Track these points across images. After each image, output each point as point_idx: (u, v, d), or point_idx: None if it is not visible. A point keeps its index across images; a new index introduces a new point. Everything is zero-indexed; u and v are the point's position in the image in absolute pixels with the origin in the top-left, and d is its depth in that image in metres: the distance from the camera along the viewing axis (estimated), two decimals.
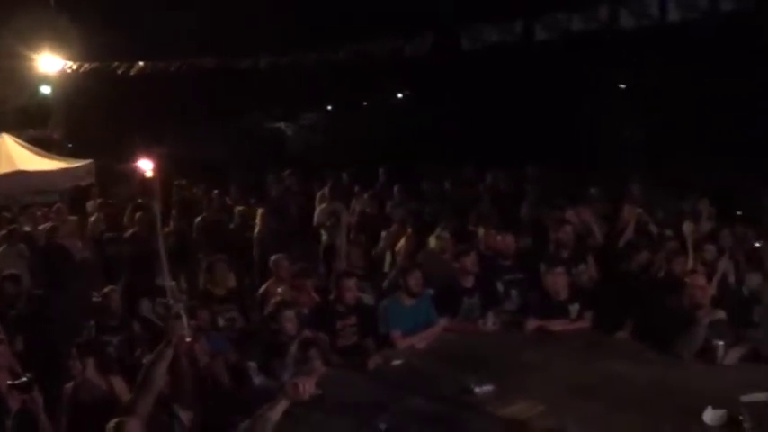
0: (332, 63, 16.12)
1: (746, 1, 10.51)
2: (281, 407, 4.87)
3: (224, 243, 12.48)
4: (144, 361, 6.18)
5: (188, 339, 6.63)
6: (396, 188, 14.76)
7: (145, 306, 10.62)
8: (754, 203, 12.87)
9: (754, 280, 8.81)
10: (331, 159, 20.06)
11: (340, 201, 13.88)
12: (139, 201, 15.52)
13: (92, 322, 8.74)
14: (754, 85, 15.70)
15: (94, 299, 9.39)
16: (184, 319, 6.43)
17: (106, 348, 8.02)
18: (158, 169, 6.60)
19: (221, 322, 8.80)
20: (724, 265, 8.70)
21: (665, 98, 17.67)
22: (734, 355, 6.80)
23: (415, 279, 8.23)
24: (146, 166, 6.70)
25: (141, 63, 17.29)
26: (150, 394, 5.68)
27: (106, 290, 9.11)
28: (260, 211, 13.86)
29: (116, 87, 18.84)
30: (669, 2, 10.62)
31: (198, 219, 14.05)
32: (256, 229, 13.52)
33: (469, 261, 8.69)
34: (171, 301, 6.94)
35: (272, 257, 9.69)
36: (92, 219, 15.03)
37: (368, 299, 9.11)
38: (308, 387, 4.94)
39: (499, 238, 9.73)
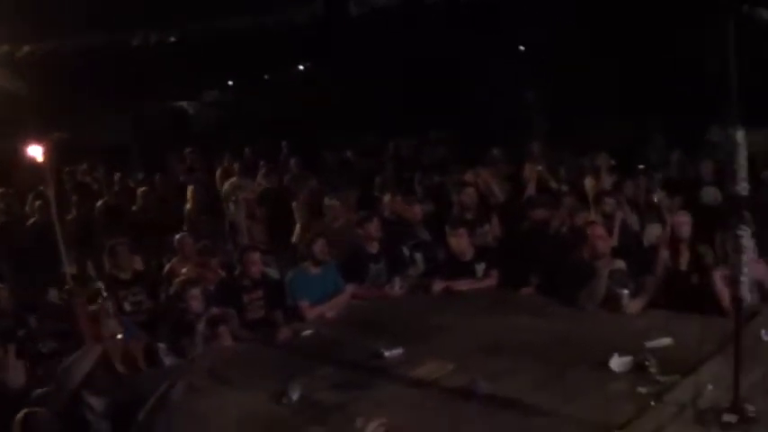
0: (223, 36, 15.89)
1: None
2: (180, 385, 4.77)
3: (127, 226, 12.25)
4: (44, 351, 6.05)
5: (119, 337, 6.55)
6: (292, 161, 14.66)
7: (52, 294, 10.41)
8: (654, 157, 13.20)
9: (654, 230, 8.99)
10: (236, 135, 19.83)
11: (245, 176, 13.78)
12: (41, 188, 15.17)
13: None
14: (651, 42, 15.96)
15: None
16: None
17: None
18: (48, 154, 6.39)
19: (128, 307, 8.64)
20: (620, 215, 8.83)
21: (563, 58, 17.82)
22: (637, 304, 6.93)
23: (319, 247, 8.22)
24: (35, 151, 6.45)
25: (27, 47, 16.74)
26: (66, 389, 5.58)
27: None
28: (190, 188, 13.60)
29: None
30: None
31: (99, 203, 13.75)
32: (188, 206, 13.27)
33: (373, 227, 8.70)
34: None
35: (177, 236, 9.56)
36: None
37: (273, 273, 9.04)
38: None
39: (407, 205, 9.76)
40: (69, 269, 10.57)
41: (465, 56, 18.26)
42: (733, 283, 4.58)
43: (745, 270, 4.50)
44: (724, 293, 6.66)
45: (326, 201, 10.47)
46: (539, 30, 17.87)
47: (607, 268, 7.22)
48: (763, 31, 11.21)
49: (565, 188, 10.51)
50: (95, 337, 6.54)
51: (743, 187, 4.42)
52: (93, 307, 7.02)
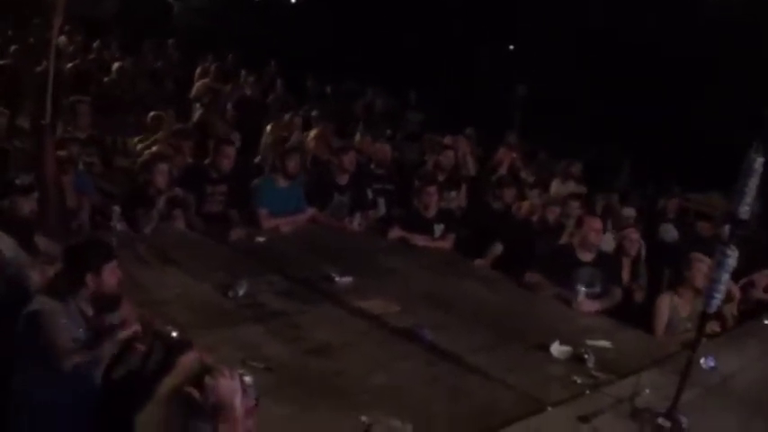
0: None
1: None
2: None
3: (95, 94, 12.04)
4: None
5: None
6: (279, 81, 14.60)
7: None
8: (618, 184, 13.45)
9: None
10: (215, 41, 19.59)
11: (222, 81, 13.67)
12: (9, 33, 14.84)
13: None
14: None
15: None
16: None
17: None
18: None
19: (80, 166, 8.48)
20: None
21: (547, 63, 18.02)
22: (591, 305, 7.01)
23: (294, 162, 8.17)
24: None
25: None
26: None
27: None
28: None
29: None
30: None
31: (69, 65, 13.49)
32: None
33: (347, 159, 8.66)
34: None
35: (152, 113, 9.43)
36: None
37: None
38: None
39: (377, 145, 9.76)
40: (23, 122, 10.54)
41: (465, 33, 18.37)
42: (707, 297, 4.66)
43: (722, 288, 4.58)
44: (661, 320, 6.82)
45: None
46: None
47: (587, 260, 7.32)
48: None
49: (531, 180, 10.59)
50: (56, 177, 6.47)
51: (744, 211, 4.50)
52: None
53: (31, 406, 4.33)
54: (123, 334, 4.50)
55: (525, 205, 9.22)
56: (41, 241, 5.76)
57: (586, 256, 7.34)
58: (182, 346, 4.26)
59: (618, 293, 7.37)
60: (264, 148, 11.01)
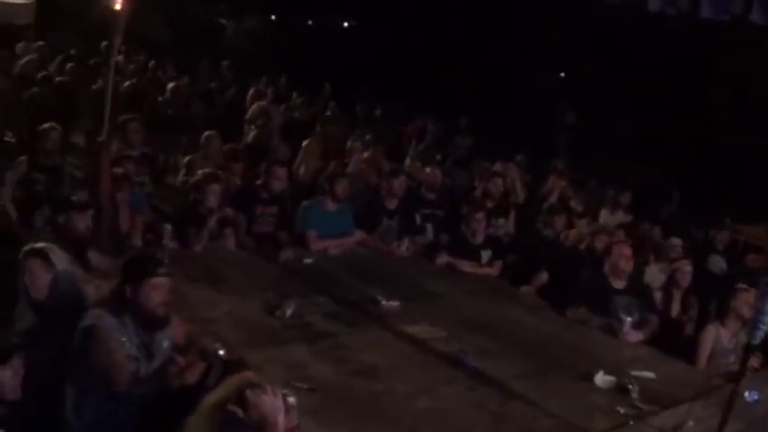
0: None
1: None
2: None
3: (149, 113, 12.27)
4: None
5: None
6: (331, 104, 14.76)
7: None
8: (665, 213, 13.38)
9: (652, 271, 9.08)
10: (267, 64, 19.84)
11: (275, 103, 13.88)
12: (72, 51, 15.16)
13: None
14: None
15: (7, 139, 9.01)
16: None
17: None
18: (128, 4, 6.32)
19: None
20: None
21: (596, 90, 18.02)
22: (637, 335, 7.00)
23: (342, 186, 8.25)
24: None
25: None
26: None
27: (46, 126, 8.50)
28: None
29: None
30: None
31: (126, 83, 13.76)
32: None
33: (397, 183, 8.73)
34: None
35: (205, 134, 9.57)
36: (23, 60, 14.48)
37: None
38: None
39: (428, 170, 9.81)
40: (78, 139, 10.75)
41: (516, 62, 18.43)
42: (751, 328, 4.64)
43: (766, 320, 4.56)
44: (704, 352, 6.80)
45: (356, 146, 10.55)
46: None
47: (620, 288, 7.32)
48: None
49: (580, 209, 10.59)
50: (111, 194, 6.62)
51: None
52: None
53: (81, 417, 4.42)
54: (180, 361, 4.59)
55: (573, 233, 9.21)
56: (94, 257, 5.91)
57: (618, 284, 7.36)
58: (239, 364, 4.34)
59: (655, 321, 7.37)
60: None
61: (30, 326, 4.81)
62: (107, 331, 4.40)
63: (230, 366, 4.28)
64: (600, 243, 8.41)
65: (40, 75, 13.09)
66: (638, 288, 7.55)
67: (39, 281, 4.87)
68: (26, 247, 5.03)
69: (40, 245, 5.06)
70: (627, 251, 7.43)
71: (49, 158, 8.25)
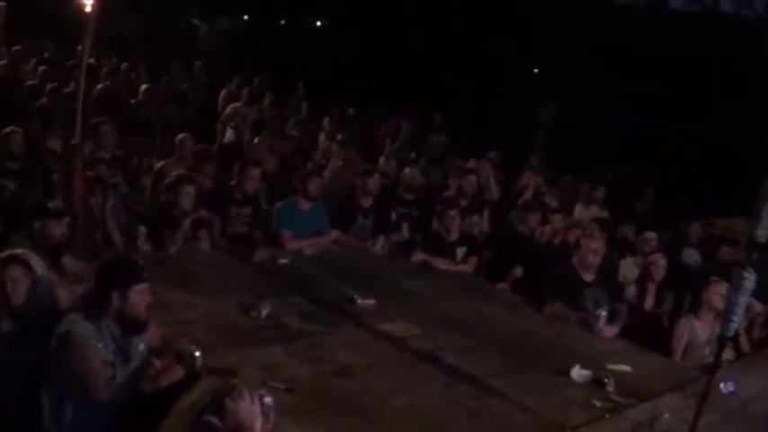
0: None
1: None
2: None
3: (122, 115, 12.19)
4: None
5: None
6: (304, 104, 14.74)
7: None
8: (639, 208, 13.48)
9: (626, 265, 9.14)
10: (240, 65, 19.79)
11: (250, 103, 13.86)
12: (45, 55, 15.10)
13: None
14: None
15: None
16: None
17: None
18: (96, 7, 6.27)
19: None
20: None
21: (573, 87, 18.09)
22: (612, 330, 7.04)
23: (315, 184, 8.25)
24: None
25: None
26: None
27: (7, 130, 8.51)
28: None
29: None
30: None
31: (99, 86, 13.68)
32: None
33: (372, 182, 8.74)
34: None
35: (179, 136, 9.54)
36: None
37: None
38: None
39: (406, 170, 9.82)
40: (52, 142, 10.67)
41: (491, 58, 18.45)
42: (724, 320, 4.67)
43: (740, 311, 4.59)
44: (680, 344, 6.86)
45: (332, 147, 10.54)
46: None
47: (590, 281, 7.37)
48: None
49: (555, 205, 10.62)
50: (84, 198, 6.58)
51: (762, 234, 4.51)
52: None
53: (59, 424, 4.40)
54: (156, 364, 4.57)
55: (548, 229, 9.24)
56: (68, 261, 5.88)
57: (588, 276, 7.43)
58: (224, 372, 4.33)
59: (624, 311, 7.46)
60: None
61: (6, 332, 4.77)
62: (83, 338, 4.37)
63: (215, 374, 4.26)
64: (572, 237, 8.44)
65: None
66: (606, 280, 7.59)
67: (20, 287, 4.83)
68: (3, 255, 4.98)
69: (17, 251, 5.03)
70: (594, 244, 7.49)
71: (15, 162, 8.20)
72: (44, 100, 12.13)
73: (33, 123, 10.55)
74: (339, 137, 12.30)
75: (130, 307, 4.52)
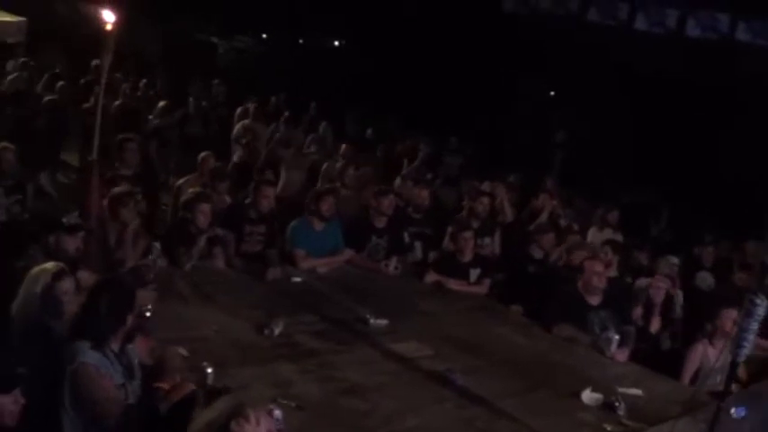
0: None
1: None
2: None
3: (140, 132, 12.28)
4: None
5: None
6: (323, 123, 14.82)
7: (43, 178, 10.42)
8: (655, 231, 13.45)
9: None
10: (259, 83, 19.87)
11: (263, 122, 13.90)
12: (57, 71, 15.20)
13: None
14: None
15: None
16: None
17: None
18: (117, 25, 6.34)
19: None
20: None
21: (588, 109, 18.11)
22: (623, 354, 7.02)
23: (328, 204, 8.26)
24: (108, 17, 6.36)
25: None
26: None
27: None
28: None
29: None
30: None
31: (117, 102, 13.77)
32: None
33: (386, 202, 8.75)
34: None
35: (201, 154, 9.62)
36: (10, 77, 14.51)
37: None
38: None
39: (416, 189, 9.83)
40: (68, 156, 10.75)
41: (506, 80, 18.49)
42: (735, 346, 4.66)
43: (751, 337, 4.59)
44: (690, 369, 6.86)
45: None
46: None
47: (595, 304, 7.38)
48: None
49: (570, 227, 10.58)
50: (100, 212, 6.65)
51: None
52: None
53: None
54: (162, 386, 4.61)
55: (557, 251, 9.21)
56: (83, 275, 5.91)
57: (594, 300, 7.42)
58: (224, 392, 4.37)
59: (632, 332, 7.45)
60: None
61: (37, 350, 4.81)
62: (95, 368, 4.42)
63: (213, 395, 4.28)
64: (577, 259, 8.44)
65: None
66: (612, 302, 7.55)
67: (69, 300, 4.94)
68: (51, 268, 5.06)
69: (59, 264, 5.12)
70: (598, 267, 7.49)
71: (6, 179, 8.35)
72: None
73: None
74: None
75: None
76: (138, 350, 4.84)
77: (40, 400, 4.39)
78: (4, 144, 8.65)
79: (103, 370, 4.44)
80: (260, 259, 7.86)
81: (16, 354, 4.75)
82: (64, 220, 5.92)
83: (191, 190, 8.00)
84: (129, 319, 4.58)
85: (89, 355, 4.44)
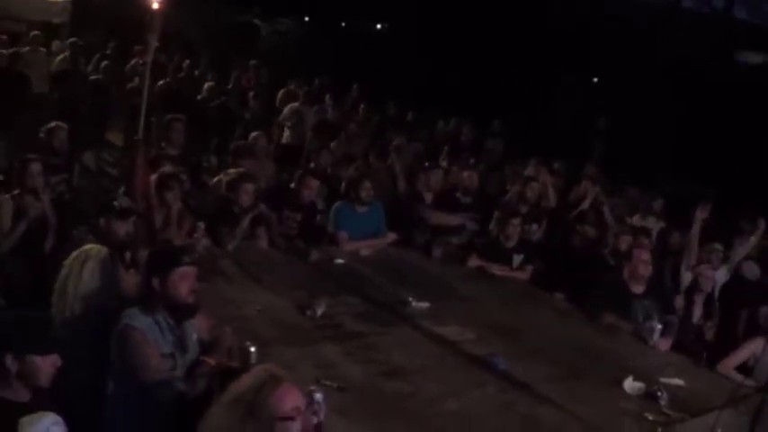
0: None
1: None
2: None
3: (187, 113, 12.34)
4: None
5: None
6: (362, 106, 14.82)
7: (87, 157, 10.49)
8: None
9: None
10: (301, 65, 19.90)
11: (309, 105, 13.94)
12: (108, 51, 15.31)
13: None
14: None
15: (40, 134, 9.13)
16: None
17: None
18: (165, 4, 6.36)
19: None
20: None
21: (628, 95, 17.93)
22: (666, 343, 6.97)
23: (365, 190, 8.28)
24: None
25: None
26: None
27: (51, 125, 8.73)
28: None
29: None
30: None
31: (161, 82, 13.84)
32: None
33: (434, 177, 8.73)
34: None
35: (253, 134, 9.68)
36: (58, 57, 14.64)
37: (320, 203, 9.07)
38: None
39: (466, 173, 9.80)
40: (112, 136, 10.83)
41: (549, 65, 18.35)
42: None
43: None
44: (735, 358, 6.78)
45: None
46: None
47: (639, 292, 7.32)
48: None
49: (613, 215, 10.51)
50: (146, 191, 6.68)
51: None
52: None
53: (121, 412, 4.51)
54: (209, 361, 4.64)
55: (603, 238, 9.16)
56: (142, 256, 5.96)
57: (638, 288, 7.36)
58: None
59: (675, 322, 7.38)
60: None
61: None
62: (141, 333, 4.46)
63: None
64: (624, 245, 8.37)
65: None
66: (657, 291, 7.51)
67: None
68: (98, 250, 5.24)
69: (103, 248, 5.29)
70: (645, 256, 7.42)
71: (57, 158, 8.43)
72: None
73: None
74: (396, 141, 12.23)
75: (173, 292, 4.59)
76: (198, 327, 4.87)
77: (86, 367, 4.49)
78: (57, 123, 8.77)
79: (150, 336, 4.48)
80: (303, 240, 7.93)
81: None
82: (115, 203, 5.92)
83: (233, 170, 8.03)
84: (155, 284, 4.58)
85: (138, 319, 4.49)
